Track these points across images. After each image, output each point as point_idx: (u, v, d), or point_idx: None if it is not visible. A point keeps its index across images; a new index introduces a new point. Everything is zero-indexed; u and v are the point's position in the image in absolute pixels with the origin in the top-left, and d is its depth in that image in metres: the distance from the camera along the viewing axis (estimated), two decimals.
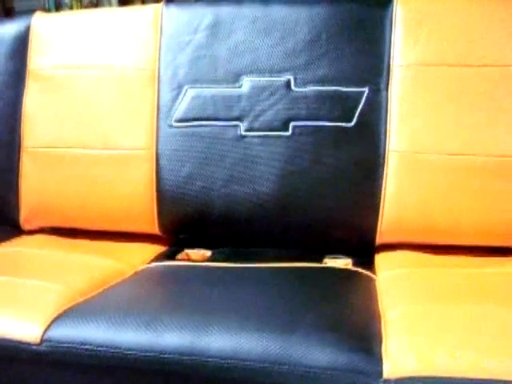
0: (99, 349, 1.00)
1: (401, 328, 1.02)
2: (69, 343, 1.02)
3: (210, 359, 0.96)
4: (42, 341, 1.04)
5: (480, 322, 1.03)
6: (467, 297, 1.15)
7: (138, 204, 1.47)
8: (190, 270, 1.34)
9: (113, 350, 0.99)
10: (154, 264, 1.38)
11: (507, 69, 1.36)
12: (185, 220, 1.47)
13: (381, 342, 0.99)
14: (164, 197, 1.46)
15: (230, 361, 0.96)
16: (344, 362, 0.94)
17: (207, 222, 1.46)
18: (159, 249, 1.49)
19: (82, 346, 1.01)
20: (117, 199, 1.48)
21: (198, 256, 1.46)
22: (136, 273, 1.33)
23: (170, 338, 0.99)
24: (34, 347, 1.04)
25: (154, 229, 1.49)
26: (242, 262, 1.36)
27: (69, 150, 1.49)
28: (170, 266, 1.36)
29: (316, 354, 0.95)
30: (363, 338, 1.00)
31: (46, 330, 1.05)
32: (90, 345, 1.01)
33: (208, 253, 1.47)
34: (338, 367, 0.94)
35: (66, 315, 1.08)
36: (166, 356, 0.98)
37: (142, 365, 0.98)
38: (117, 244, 1.49)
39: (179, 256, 1.46)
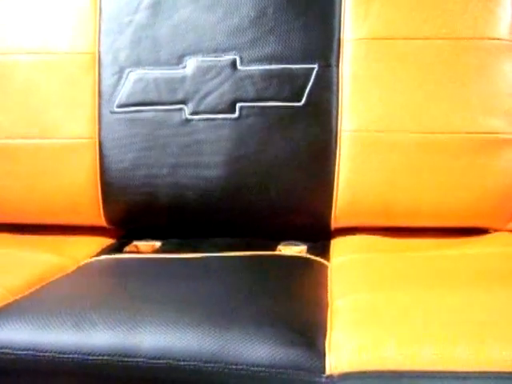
0: (22, 352, 0.92)
1: (348, 318, 0.95)
2: None
3: (139, 359, 0.89)
4: None
5: (436, 309, 0.96)
6: (424, 282, 1.09)
7: (83, 195, 1.40)
8: (136, 262, 1.27)
9: (37, 354, 0.91)
10: (98, 258, 1.31)
11: (464, 41, 1.30)
12: (132, 210, 1.40)
13: (325, 334, 0.91)
14: (109, 187, 1.38)
15: (161, 360, 0.88)
16: (283, 357, 0.86)
17: (155, 212, 1.39)
18: (107, 242, 1.42)
19: (2, 350, 0.93)
20: (60, 191, 1.40)
21: (147, 247, 1.39)
22: (78, 268, 1.26)
23: (98, 337, 0.92)
24: None
25: (101, 220, 1.42)
26: (191, 252, 1.29)
27: (8, 142, 1.41)
28: (114, 259, 1.29)
29: (253, 350, 0.87)
30: (306, 330, 0.92)
31: None
32: (12, 348, 0.93)
33: (158, 244, 1.40)
34: (277, 364, 0.86)
35: None
36: (93, 358, 0.90)
37: (69, 368, 0.91)
38: (61, 238, 1.42)
39: (127, 248, 1.38)
